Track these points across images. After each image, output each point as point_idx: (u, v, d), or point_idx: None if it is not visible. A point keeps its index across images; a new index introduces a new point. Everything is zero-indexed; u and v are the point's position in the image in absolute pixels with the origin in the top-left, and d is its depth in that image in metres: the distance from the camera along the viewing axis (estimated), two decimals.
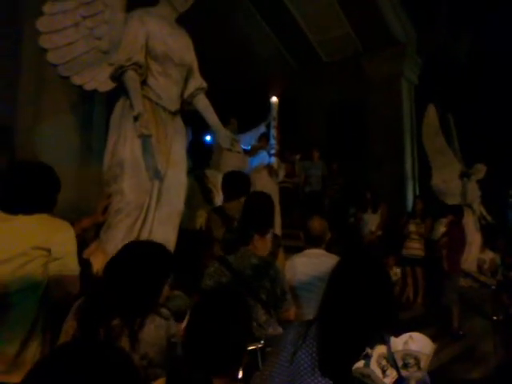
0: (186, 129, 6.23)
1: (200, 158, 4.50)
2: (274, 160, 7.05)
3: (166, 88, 3.35)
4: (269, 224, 3.13)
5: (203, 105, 3.69)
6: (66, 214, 2.89)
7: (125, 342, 1.70)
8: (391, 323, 1.63)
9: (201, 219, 4.01)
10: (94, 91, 3.47)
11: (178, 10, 3.50)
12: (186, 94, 3.60)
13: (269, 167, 6.79)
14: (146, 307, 1.81)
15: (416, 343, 1.56)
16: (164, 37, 3.34)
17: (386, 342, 1.53)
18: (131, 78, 3.14)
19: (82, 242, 3.04)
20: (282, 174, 7.36)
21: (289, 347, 1.62)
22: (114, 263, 1.89)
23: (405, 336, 1.55)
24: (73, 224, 2.86)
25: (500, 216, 11.14)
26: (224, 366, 1.44)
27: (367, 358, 1.51)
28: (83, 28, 3.34)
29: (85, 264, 2.69)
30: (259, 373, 1.77)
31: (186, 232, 3.63)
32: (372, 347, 1.52)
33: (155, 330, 1.77)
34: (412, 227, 7.57)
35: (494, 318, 6.72)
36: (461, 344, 6.33)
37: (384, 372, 1.48)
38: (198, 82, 3.65)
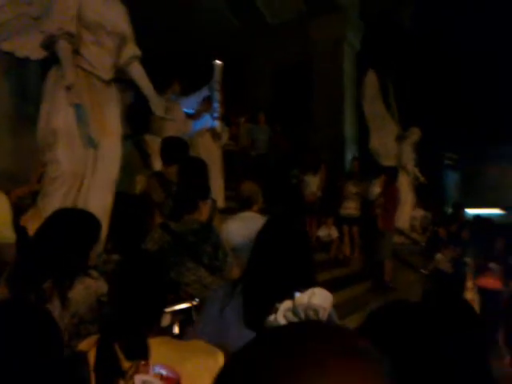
0: (128, 93, 6.15)
1: (141, 122, 4.48)
2: (217, 123, 7.12)
3: (99, 57, 3.35)
4: (209, 188, 3.28)
5: (137, 73, 3.73)
6: (2, 183, 2.93)
7: (56, 302, 1.86)
8: (308, 282, 1.85)
9: (140, 185, 4.10)
10: (27, 59, 3.43)
11: None
12: (121, 62, 3.61)
13: (212, 130, 6.86)
14: (75, 270, 1.95)
15: (318, 297, 1.79)
16: (96, 5, 3.33)
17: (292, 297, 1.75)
18: (63, 48, 3.13)
19: (19, 210, 3.10)
20: (225, 137, 7.43)
21: (217, 304, 1.81)
22: (42, 229, 2.02)
23: (309, 291, 1.78)
24: (9, 193, 2.92)
25: (435, 177, 11.75)
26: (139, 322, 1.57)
27: (275, 312, 1.73)
28: None
29: (22, 231, 2.77)
30: (191, 327, 1.99)
31: (125, 196, 3.71)
32: (281, 302, 1.74)
33: (84, 290, 1.92)
34: (350, 187, 7.84)
35: (423, 271, 7.25)
36: (392, 295, 6.83)
37: None
38: (131, 50, 3.66)
